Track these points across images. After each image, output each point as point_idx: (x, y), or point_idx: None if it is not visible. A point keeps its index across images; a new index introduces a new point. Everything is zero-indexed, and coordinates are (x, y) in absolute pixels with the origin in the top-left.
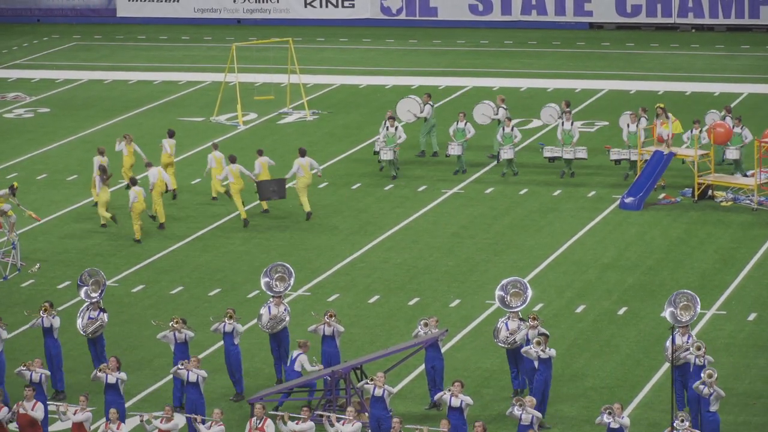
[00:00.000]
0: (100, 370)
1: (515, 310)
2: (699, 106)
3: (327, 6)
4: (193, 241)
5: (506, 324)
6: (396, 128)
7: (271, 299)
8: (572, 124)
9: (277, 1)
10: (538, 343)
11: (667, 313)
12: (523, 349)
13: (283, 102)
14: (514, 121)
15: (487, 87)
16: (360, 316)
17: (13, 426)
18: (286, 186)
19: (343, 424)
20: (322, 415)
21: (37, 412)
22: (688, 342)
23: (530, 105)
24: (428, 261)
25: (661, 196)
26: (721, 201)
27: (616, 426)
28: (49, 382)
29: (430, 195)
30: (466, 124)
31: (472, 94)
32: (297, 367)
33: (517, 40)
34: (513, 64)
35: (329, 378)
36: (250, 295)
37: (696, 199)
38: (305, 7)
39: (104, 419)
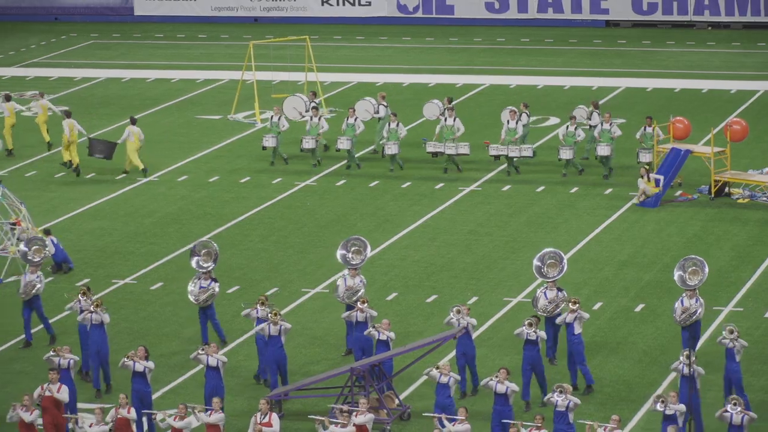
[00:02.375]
0: (128, 358)
1: (552, 279)
2: (716, 104)
3: (344, 4)
4: (211, 238)
5: (545, 293)
6: (320, 118)
7: (347, 271)
8: (455, 120)
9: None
10: (530, 325)
11: (676, 277)
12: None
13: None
14: (526, 115)
15: (504, 85)
16: (378, 314)
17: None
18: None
19: (356, 416)
20: (341, 410)
21: (62, 394)
22: (696, 303)
23: (547, 103)
24: (446, 258)
25: (678, 193)
26: (738, 198)
27: (671, 413)
28: (77, 367)
29: (447, 193)
30: (356, 119)
31: (489, 91)
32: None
33: (534, 38)
34: (530, 62)
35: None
36: (269, 292)
37: (713, 196)
38: (322, 5)
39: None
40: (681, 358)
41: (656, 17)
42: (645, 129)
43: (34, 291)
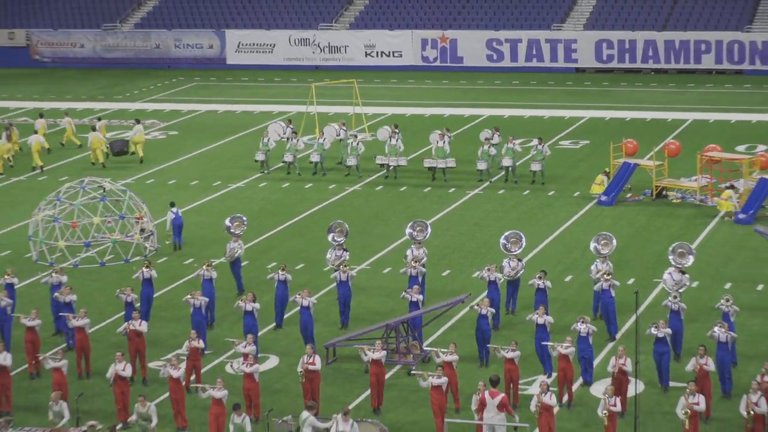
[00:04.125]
0: (242, 300)
1: (514, 253)
2: (657, 129)
3: (381, 56)
4: (281, 230)
5: (509, 263)
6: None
7: (414, 245)
8: (397, 140)
9: (345, 52)
10: (540, 278)
11: (591, 247)
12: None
13: (350, 126)
14: (448, 138)
15: (499, 115)
16: (406, 284)
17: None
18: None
19: (373, 352)
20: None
21: (143, 326)
22: (607, 267)
23: (531, 129)
24: (457, 243)
25: (629, 195)
26: (673, 199)
27: (662, 336)
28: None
29: (458, 195)
30: (324, 140)
31: (489, 121)
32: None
33: (522, 81)
34: (519, 99)
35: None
36: (325, 269)
37: (654, 197)
38: (365, 56)
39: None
40: (669, 298)
41: (613, 65)
42: (537, 146)
43: (236, 255)
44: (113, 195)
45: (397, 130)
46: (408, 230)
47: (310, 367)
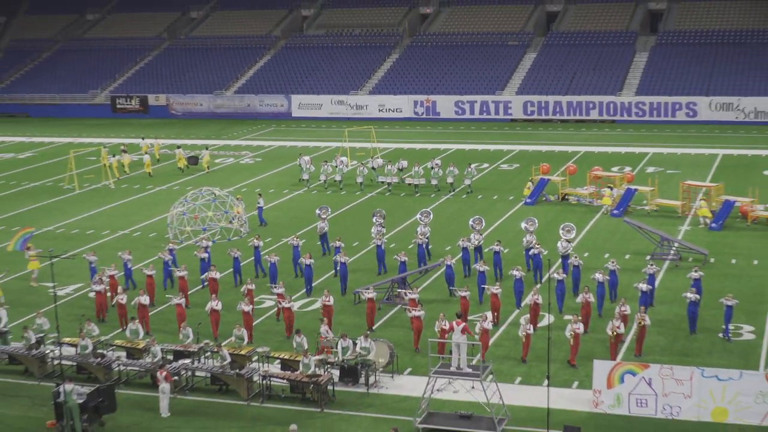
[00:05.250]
0: (306, 258)
1: (478, 230)
2: (562, 158)
3: (388, 111)
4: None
5: (474, 236)
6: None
7: (420, 225)
8: (391, 167)
9: (366, 109)
10: (498, 243)
11: (522, 226)
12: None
13: (368, 155)
14: (437, 164)
15: (461, 149)
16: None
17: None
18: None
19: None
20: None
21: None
22: (534, 242)
23: (481, 157)
24: (439, 227)
25: (544, 198)
26: (572, 201)
27: (647, 290)
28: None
29: (435, 200)
30: (343, 165)
31: (455, 153)
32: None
33: (477, 127)
34: (475, 138)
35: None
36: (354, 244)
37: (560, 200)
38: (378, 111)
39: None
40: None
41: (534, 117)
42: (468, 168)
43: (323, 232)
44: (221, 198)
45: (383, 162)
46: (470, 223)
47: (326, 302)
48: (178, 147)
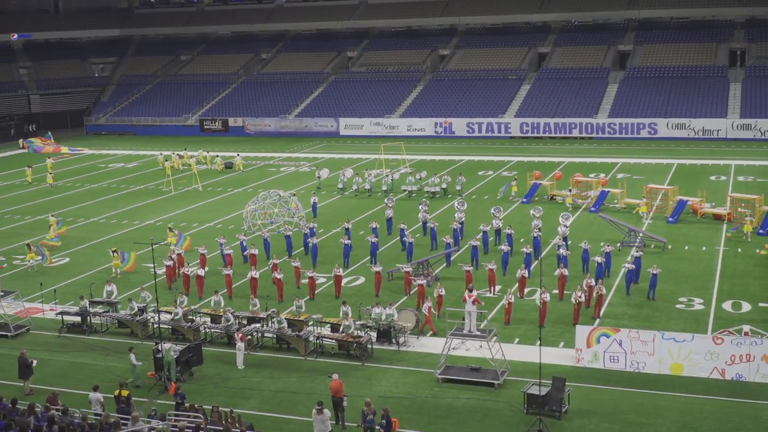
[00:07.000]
0: (345, 239)
1: (498, 217)
2: (550, 166)
3: (415, 130)
4: (353, 222)
5: (458, 215)
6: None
7: (457, 212)
8: (413, 177)
9: (397, 129)
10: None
11: (530, 213)
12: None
13: (398, 165)
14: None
15: (471, 160)
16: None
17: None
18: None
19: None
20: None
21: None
22: (539, 225)
23: (487, 167)
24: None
25: (536, 198)
26: (558, 200)
27: (632, 268)
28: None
29: (451, 200)
30: (371, 176)
31: (467, 164)
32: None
33: (484, 143)
34: (482, 152)
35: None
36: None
37: (549, 199)
38: (407, 130)
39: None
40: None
41: (529, 135)
42: (458, 177)
43: (425, 221)
44: (284, 198)
45: (410, 170)
46: (455, 204)
47: (337, 273)
48: (217, 155)
